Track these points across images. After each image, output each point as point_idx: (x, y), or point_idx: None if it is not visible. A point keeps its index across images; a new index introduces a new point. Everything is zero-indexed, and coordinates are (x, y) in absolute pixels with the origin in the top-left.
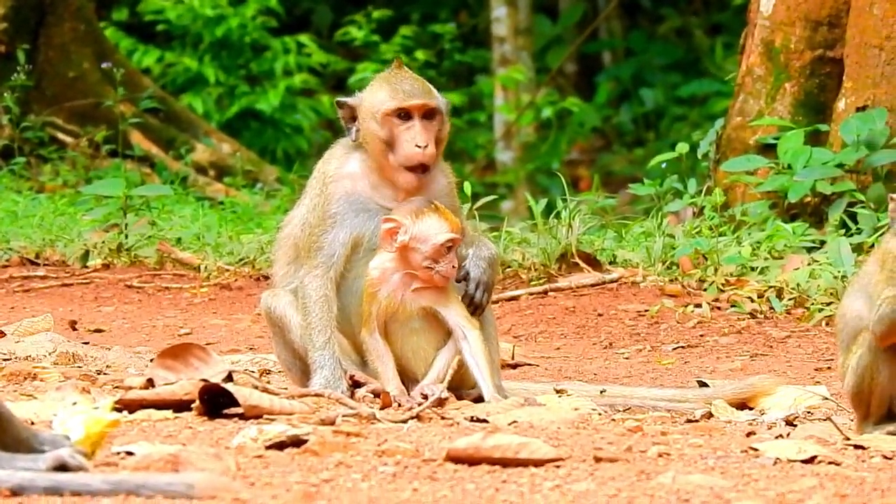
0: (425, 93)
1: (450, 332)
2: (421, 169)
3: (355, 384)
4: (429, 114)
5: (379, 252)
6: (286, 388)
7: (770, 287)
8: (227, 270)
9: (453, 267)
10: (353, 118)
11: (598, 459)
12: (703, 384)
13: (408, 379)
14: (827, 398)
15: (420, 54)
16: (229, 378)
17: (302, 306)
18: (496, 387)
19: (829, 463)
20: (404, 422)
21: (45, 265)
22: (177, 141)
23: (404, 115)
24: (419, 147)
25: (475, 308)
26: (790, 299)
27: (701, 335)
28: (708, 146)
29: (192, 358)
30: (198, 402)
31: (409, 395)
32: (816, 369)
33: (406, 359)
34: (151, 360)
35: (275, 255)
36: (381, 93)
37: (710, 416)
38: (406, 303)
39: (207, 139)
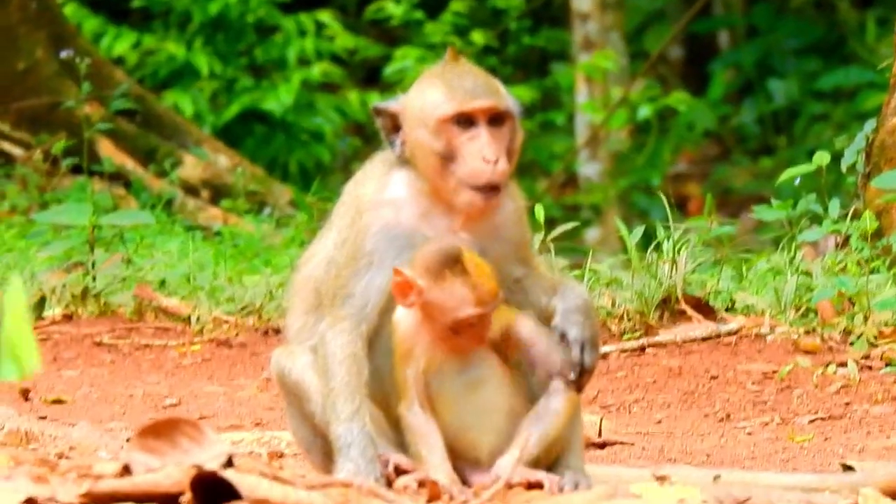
0: (492, 92)
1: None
2: (489, 189)
3: (396, 471)
4: (497, 119)
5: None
6: (304, 476)
7: None
8: (226, 322)
9: (482, 337)
10: (397, 128)
11: None
12: (848, 468)
13: (465, 460)
14: None
15: (477, 37)
16: (230, 463)
17: (323, 368)
18: (577, 471)
19: None
20: None
21: None
22: (159, 152)
23: (465, 121)
24: (488, 161)
25: (583, 373)
26: None
27: (846, 403)
28: (855, 155)
29: (181, 437)
30: (189, 494)
31: (464, 483)
32: None
33: (463, 429)
34: (128, 440)
35: (289, 302)
36: (433, 93)
37: None
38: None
39: (199, 150)
